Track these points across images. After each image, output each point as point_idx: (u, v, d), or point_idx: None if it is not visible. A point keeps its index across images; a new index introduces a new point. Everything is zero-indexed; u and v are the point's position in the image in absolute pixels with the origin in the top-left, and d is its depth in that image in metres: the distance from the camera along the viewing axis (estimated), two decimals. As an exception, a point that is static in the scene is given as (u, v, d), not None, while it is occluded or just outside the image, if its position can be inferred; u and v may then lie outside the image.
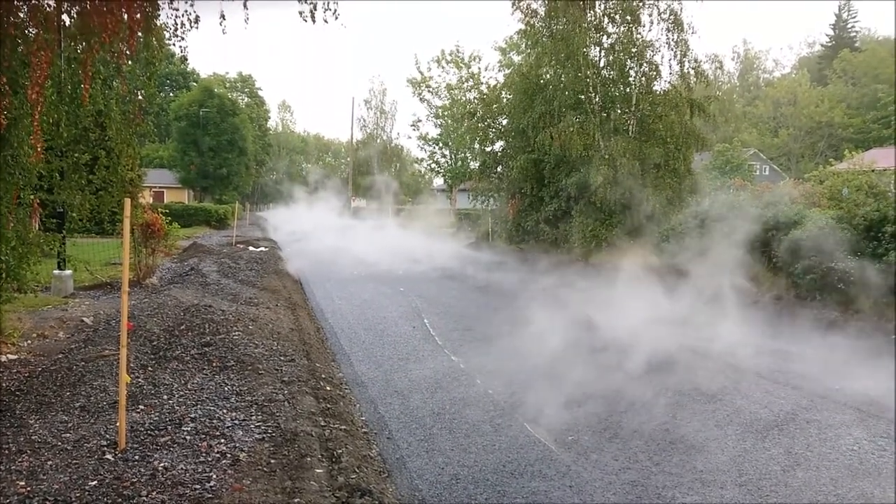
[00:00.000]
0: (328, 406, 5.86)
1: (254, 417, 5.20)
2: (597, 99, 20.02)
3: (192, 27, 7.65)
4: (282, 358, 7.26)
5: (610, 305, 11.29)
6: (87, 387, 5.82)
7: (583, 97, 20.14)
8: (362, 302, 12.40)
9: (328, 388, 6.48)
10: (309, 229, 33.95)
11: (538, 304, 11.89)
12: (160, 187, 55.14)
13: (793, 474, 4.77)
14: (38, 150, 7.16)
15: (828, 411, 6.22)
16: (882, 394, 6.69)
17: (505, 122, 24.54)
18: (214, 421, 5.05)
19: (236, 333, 8.01)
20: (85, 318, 9.08)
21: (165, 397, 5.60)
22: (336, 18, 7.71)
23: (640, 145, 18.73)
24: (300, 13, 7.59)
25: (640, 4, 19.78)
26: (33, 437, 4.63)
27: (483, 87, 40.29)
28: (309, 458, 4.49)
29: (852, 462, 5.02)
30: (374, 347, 8.72)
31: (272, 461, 4.39)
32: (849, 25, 68.43)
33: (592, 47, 20.21)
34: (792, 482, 4.63)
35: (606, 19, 20.23)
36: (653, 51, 19.82)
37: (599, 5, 20.17)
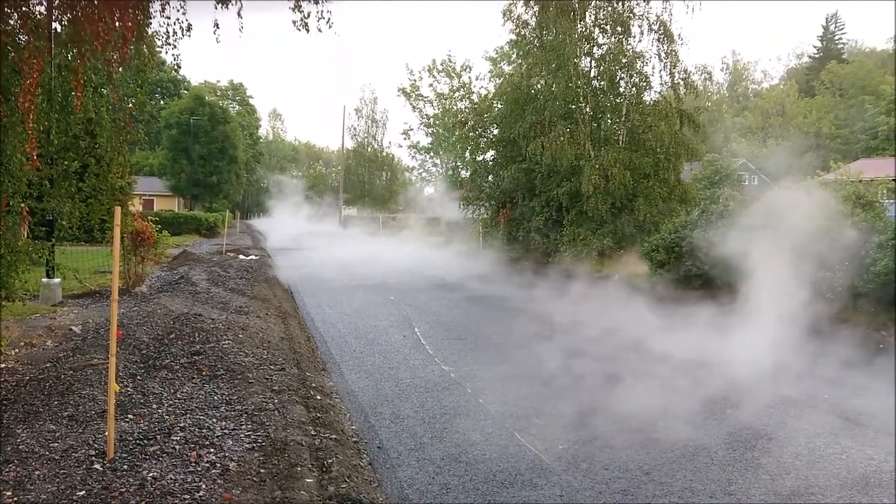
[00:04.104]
0: (318, 415, 5.84)
1: (244, 427, 5.17)
2: (587, 109, 20.15)
3: (183, 35, 7.67)
4: (272, 367, 7.23)
5: (594, 313, 11.34)
6: (75, 396, 5.77)
7: (573, 107, 20.27)
8: (353, 311, 12.37)
9: (318, 398, 6.47)
10: (300, 238, 33.91)
11: (528, 314, 11.91)
12: (150, 195, 54.84)
13: (781, 483, 4.79)
14: (34, 158, 7.13)
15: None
16: None
17: (496, 131, 24.64)
18: (204, 430, 5.02)
19: (226, 342, 7.98)
20: (73, 327, 9.02)
21: (154, 406, 5.56)
22: (330, 27, 7.75)
23: (631, 155, 18.87)
24: (294, 22, 7.62)
25: (631, 16, 19.97)
26: (20, 447, 4.59)
27: (474, 97, 40.50)
28: (299, 468, 4.47)
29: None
30: (365, 356, 8.70)
31: (262, 471, 4.37)
32: (836, 37, 69.37)
33: (583, 58, 20.38)
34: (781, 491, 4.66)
35: (597, 30, 20.41)
36: (643, 61, 20.02)
37: (590, 16, 20.35)
